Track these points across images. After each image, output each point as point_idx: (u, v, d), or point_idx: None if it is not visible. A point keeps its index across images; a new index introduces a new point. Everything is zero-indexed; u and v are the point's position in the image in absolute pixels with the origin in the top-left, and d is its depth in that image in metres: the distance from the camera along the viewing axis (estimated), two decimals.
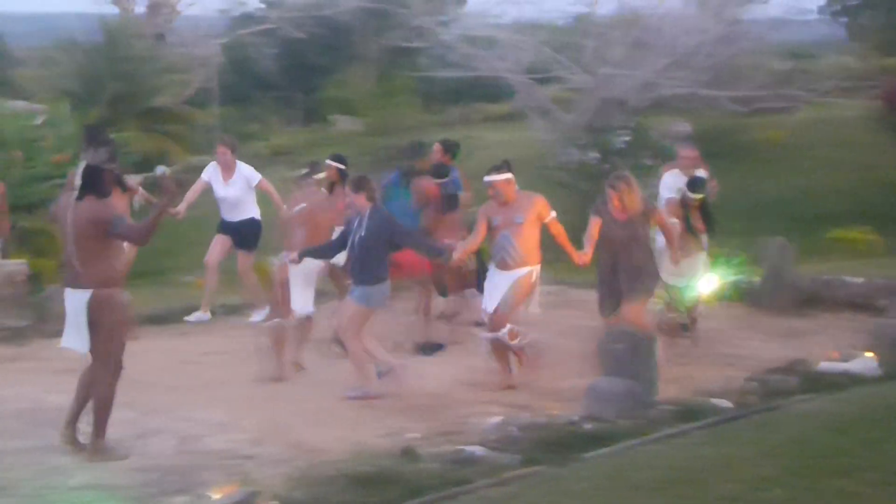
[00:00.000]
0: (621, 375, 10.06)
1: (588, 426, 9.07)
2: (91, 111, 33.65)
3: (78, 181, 9.45)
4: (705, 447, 8.30)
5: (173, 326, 14.80)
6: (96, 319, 9.45)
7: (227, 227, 15.77)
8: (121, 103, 39.76)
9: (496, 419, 9.43)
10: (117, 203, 13.37)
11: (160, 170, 13.19)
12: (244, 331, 14.70)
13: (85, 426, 9.79)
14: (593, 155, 28.24)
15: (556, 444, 8.64)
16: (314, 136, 43.76)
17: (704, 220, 13.61)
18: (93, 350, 9.57)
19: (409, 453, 8.63)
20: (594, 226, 12.16)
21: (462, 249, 12.20)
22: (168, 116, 42.12)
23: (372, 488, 7.75)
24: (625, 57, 30.87)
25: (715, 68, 30.98)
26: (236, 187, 15.59)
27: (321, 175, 13.64)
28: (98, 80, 40.58)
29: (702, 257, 13.61)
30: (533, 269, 11.95)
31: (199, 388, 11.83)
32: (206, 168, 15.68)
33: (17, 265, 15.01)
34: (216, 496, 7.97)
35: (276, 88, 53.85)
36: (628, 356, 10.34)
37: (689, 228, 13.40)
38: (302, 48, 52.41)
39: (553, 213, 12.08)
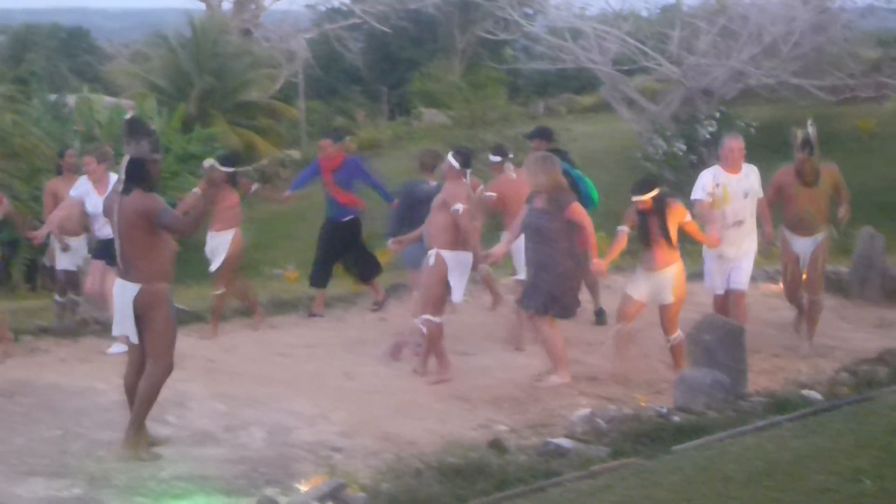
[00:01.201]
0: (711, 366, 10.00)
1: (677, 418, 9.01)
2: (179, 106, 33.94)
3: (122, 174, 9.48)
4: (796, 439, 8.22)
5: (265, 319, 14.86)
6: (144, 314, 9.50)
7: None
8: (209, 98, 40.11)
9: (584, 411, 9.39)
10: (229, 198, 13.58)
11: (207, 163, 13.29)
12: (334, 324, 14.79)
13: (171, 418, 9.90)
14: (679, 145, 28.11)
15: (645, 436, 8.59)
16: (401, 130, 43.85)
17: (661, 230, 11.94)
18: (144, 346, 9.63)
19: (497, 446, 8.63)
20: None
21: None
22: (255, 111, 42.42)
23: (460, 480, 7.76)
24: (711, 46, 30.69)
25: (803, 57, 30.70)
26: None
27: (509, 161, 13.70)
28: (186, 76, 40.96)
29: (668, 276, 12.04)
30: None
31: (290, 380, 11.90)
32: (78, 183, 13.92)
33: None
34: (305, 488, 8.01)
35: (362, 82, 54.05)
36: (718, 347, 10.27)
37: (644, 237, 12.13)
38: (388, 42, 52.59)
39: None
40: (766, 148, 27.27)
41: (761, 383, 10.86)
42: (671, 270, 11.92)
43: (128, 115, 29.59)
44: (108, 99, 35.79)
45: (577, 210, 11.71)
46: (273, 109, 44.02)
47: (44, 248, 16.17)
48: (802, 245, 13.27)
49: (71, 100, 32.99)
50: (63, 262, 14.29)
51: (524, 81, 48.04)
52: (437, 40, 53.05)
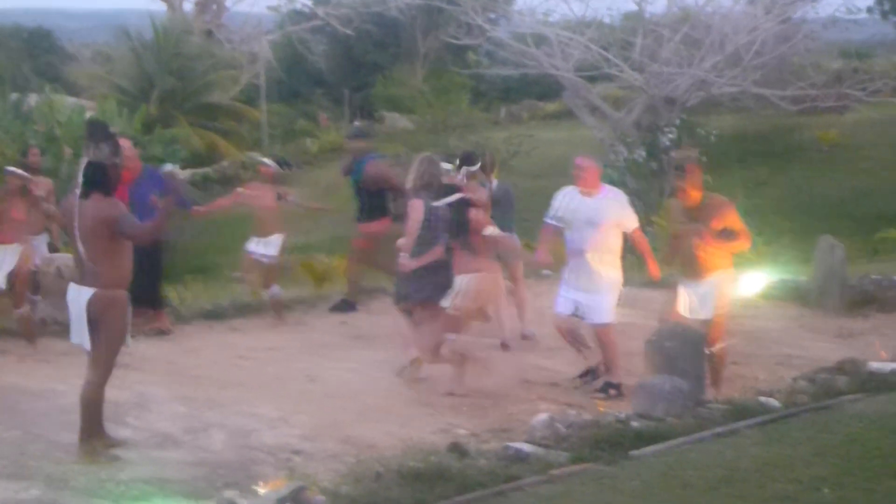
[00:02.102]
0: (671, 373, 10.04)
1: (637, 424, 9.05)
2: (141, 107, 33.86)
3: (80, 178, 9.34)
4: (755, 446, 8.28)
5: (225, 322, 14.85)
6: (96, 319, 9.37)
7: None
8: (170, 100, 40.03)
9: (544, 416, 9.41)
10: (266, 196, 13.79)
11: (169, 167, 13.25)
12: (295, 327, 14.79)
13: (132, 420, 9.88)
14: (640, 153, 28.22)
15: (604, 442, 8.62)
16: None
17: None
18: (91, 350, 9.54)
19: (457, 450, 8.64)
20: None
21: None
22: (217, 113, 42.36)
23: (420, 484, 7.76)
24: (674, 55, 30.83)
25: (765, 67, 30.90)
26: None
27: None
28: (148, 77, 40.87)
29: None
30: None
31: (251, 383, 11.88)
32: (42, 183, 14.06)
33: (65, 259, 15.09)
34: (265, 490, 8.00)
35: (325, 85, 54.03)
36: (678, 354, 10.32)
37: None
38: (351, 45, 52.57)
39: None
40: (727, 157, 27.49)
41: (721, 391, 10.92)
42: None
43: (88, 117, 29.59)
44: (70, 99, 35.66)
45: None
46: (235, 111, 43.96)
47: None
48: (693, 292, 11.56)
49: (32, 100, 32.86)
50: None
51: (487, 87, 48.12)
52: (401, 44, 53.11)
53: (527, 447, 8.59)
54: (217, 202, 16.43)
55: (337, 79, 53.66)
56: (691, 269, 11.41)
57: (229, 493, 8.01)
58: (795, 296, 15.76)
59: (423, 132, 35.01)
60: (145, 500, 8.41)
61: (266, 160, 16.04)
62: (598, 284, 11.92)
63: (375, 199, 15.56)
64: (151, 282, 13.55)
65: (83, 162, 9.41)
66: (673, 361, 10.27)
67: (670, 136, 28.03)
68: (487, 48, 39.34)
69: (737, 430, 8.88)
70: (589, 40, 31.71)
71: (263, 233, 14.75)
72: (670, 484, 7.37)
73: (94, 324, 9.39)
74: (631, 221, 12.12)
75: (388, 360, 12.73)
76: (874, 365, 10.84)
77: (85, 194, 9.28)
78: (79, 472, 9.05)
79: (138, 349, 12.43)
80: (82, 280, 9.41)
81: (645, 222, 25.43)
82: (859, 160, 31.25)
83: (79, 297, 9.42)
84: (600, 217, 11.83)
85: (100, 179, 9.29)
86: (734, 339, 11.81)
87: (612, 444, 8.62)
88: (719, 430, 8.93)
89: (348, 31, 48.17)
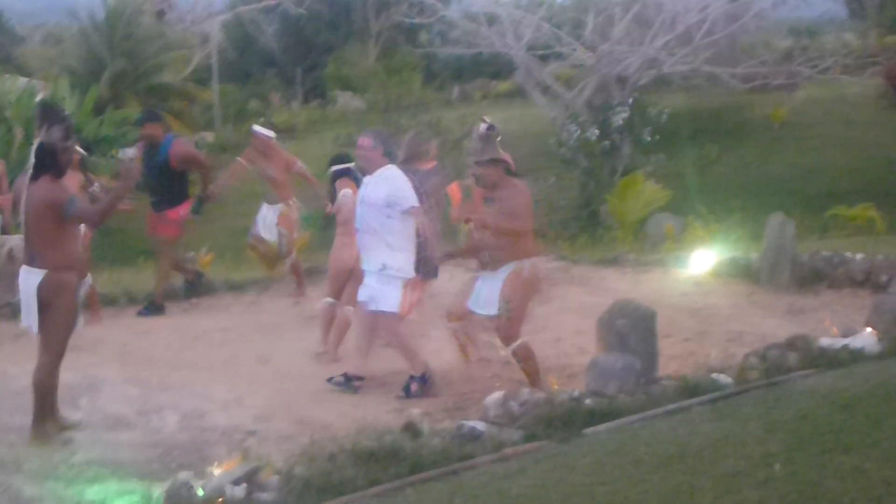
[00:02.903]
0: (623, 351, 10.09)
1: (589, 402, 9.09)
2: (92, 88, 33.63)
3: (31, 160, 9.31)
4: (707, 423, 8.33)
5: (178, 304, 14.83)
6: (46, 302, 9.36)
7: None
8: (122, 81, 39.76)
9: (497, 395, 9.44)
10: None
11: (127, 153, 13.17)
12: (248, 308, 14.78)
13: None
14: (593, 131, 28.26)
15: (557, 420, 8.65)
16: (315, 114, 43.75)
17: None
18: (40, 333, 9.52)
19: (411, 429, 8.66)
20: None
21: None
22: (169, 94, 42.11)
23: (374, 464, 7.78)
24: (625, 33, 30.88)
25: (716, 45, 30.99)
26: None
27: None
28: (99, 58, 40.59)
29: None
30: None
31: (204, 364, 11.88)
32: None
33: (17, 241, 15.01)
34: (219, 471, 8.01)
35: (277, 66, 53.85)
36: (630, 331, 10.37)
37: None
38: (302, 25, 52.39)
39: None
40: (678, 135, 27.60)
41: (672, 367, 10.98)
42: None
43: (39, 98, 29.37)
44: (21, 80, 35.39)
45: None
46: (187, 92, 43.73)
47: None
48: (485, 284, 11.11)
49: None
50: None
51: (440, 66, 48.10)
52: (353, 24, 52.97)
53: (480, 426, 8.62)
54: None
55: (289, 59, 53.50)
56: (483, 259, 11.07)
57: (183, 475, 8.00)
58: (746, 273, 15.83)
59: (375, 112, 34.88)
60: (99, 482, 8.39)
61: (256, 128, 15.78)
62: (377, 269, 11.25)
63: (179, 183, 15.01)
64: None
65: (35, 144, 9.36)
66: (625, 339, 10.31)
67: (622, 115, 28.10)
68: (440, 27, 39.40)
69: (689, 407, 8.93)
70: (541, 19, 31.72)
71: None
72: (622, 461, 7.40)
73: (44, 307, 9.37)
74: (405, 201, 11.12)
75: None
76: (825, 341, 10.91)
77: (35, 176, 9.25)
78: (31, 455, 9.02)
79: (90, 331, 12.42)
80: (32, 262, 9.38)
81: (598, 201, 25.67)
82: (809, 138, 31.42)
83: (28, 279, 9.39)
84: (370, 196, 11.22)
85: (50, 161, 9.23)
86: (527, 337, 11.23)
87: (565, 422, 8.65)
88: (671, 407, 8.97)
89: (300, 11, 48.02)
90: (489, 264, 10.90)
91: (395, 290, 11.16)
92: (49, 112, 9.61)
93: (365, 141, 11.39)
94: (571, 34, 31.91)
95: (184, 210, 14.94)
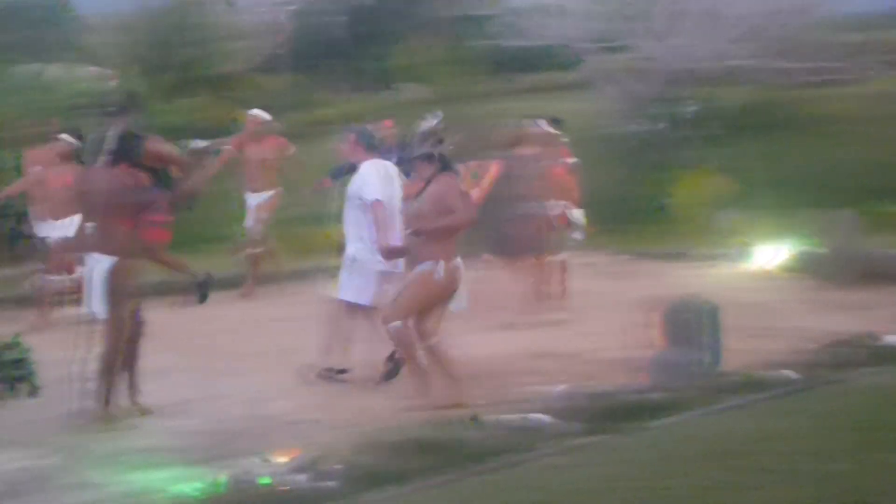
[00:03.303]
0: (688, 345, 10.05)
1: (653, 395, 9.07)
2: (161, 77, 33.83)
3: (109, 147, 9.48)
4: (771, 418, 8.29)
5: (238, 291, 14.89)
6: (113, 287, 9.57)
7: None
8: (190, 70, 39.98)
9: (561, 387, 9.45)
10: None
11: (198, 143, 13.26)
12: (312, 297, 14.81)
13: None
14: (659, 124, 28.13)
15: (620, 413, 8.64)
16: (381, 103, 43.81)
17: None
18: (107, 318, 9.67)
19: (474, 420, 8.67)
20: None
21: None
22: (237, 83, 42.30)
23: (437, 454, 7.79)
24: (695, 26, 30.68)
25: (785, 39, 30.73)
26: None
27: None
28: (169, 46, 40.82)
29: None
30: None
31: (268, 352, 11.93)
32: None
33: None
34: (281, 459, 8.05)
35: (345, 55, 53.94)
36: (695, 325, 10.33)
37: None
38: (372, 14, 52.43)
39: None
40: (745, 129, 27.40)
41: (737, 362, 10.91)
42: None
43: (120, 88, 29.59)
44: (91, 69, 35.66)
45: None
46: (255, 81, 43.91)
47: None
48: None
49: (50, 70, 32.87)
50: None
51: (506, 57, 47.92)
52: (420, 14, 52.93)
53: (543, 418, 8.62)
54: None
55: (357, 49, 53.55)
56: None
57: (245, 462, 8.06)
58: (811, 268, 15.72)
59: (441, 102, 34.91)
60: (161, 468, 8.47)
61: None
62: (349, 261, 11.35)
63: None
64: None
65: (111, 132, 9.47)
66: (689, 333, 10.28)
67: (691, 108, 27.93)
68: (506, 18, 39.22)
69: (752, 402, 8.89)
70: (609, 11, 31.58)
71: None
72: (684, 455, 7.38)
73: (110, 292, 9.54)
74: (366, 194, 11.17)
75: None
76: (890, 338, 10.84)
77: (113, 163, 9.38)
78: (95, 441, 9.11)
79: (154, 318, 12.51)
80: (101, 249, 9.54)
81: (664, 194, 25.53)
82: (876, 133, 31.09)
83: (99, 265, 9.51)
84: (349, 190, 11.34)
85: (126, 149, 9.42)
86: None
87: (629, 415, 8.64)
88: (736, 401, 8.94)
89: (369, 1, 48.03)
90: (412, 262, 10.72)
91: (367, 283, 11.18)
92: (128, 101, 10.04)
93: (349, 136, 11.46)
94: (639, 26, 31.74)
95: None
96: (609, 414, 8.64)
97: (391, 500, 7.13)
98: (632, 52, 33.42)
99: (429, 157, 10.58)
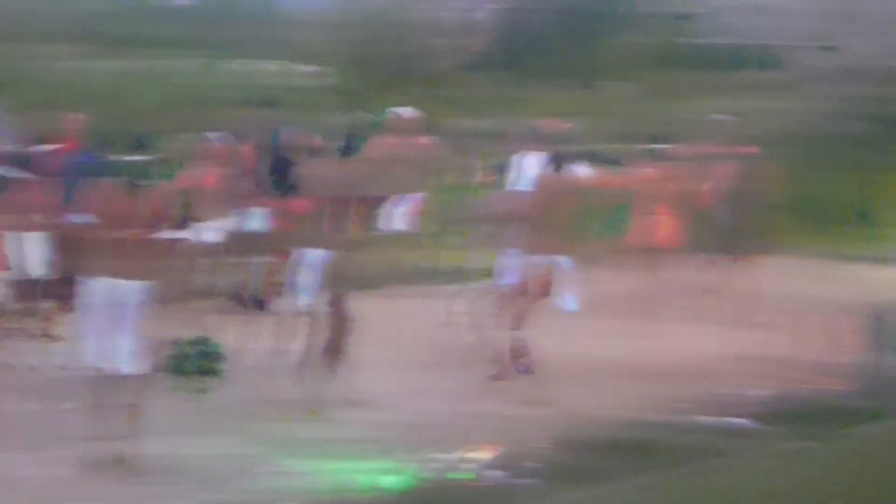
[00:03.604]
0: (892, 351, 9.85)
1: (856, 402, 8.90)
2: (368, 75, 34.20)
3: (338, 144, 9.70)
4: None
5: (444, 288, 14.94)
6: (334, 280, 9.85)
7: None
8: (396, 68, 40.42)
9: (761, 391, 9.33)
10: None
11: None
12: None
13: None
14: (869, 126, 27.53)
15: (823, 419, 8.51)
16: (586, 102, 43.69)
17: None
18: (329, 307, 9.98)
19: (671, 422, 8.62)
20: None
21: None
22: (442, 81, 42.60)
23: (638, 455, 7.76)
24: None
25: None
26: None
27: None
28: (376, 44, 41.31)
29: None
30: None
31: (471, 348, 11.95)
32: None
33: None
34: (482, 455, 8.10)
35: (548, 53, 53.91)
36: None
37: None
38: (575, 12, 52.31)
39: None
40: None
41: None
42: None
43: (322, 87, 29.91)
44: (298, 67, 36.16)
45: None
46: (460, 80, 44.18)
47: None
48: None
49: (259, 66, 33.46)
50: None
51: (711, 55, 47.40)
52: (625, 11, 52.61)
53: (742, 421, 8.55)
54: None
55: (560, 46, 53.53)
56: None
57: (442, 456, 8.12)
58: None
59: (644, 100, 34.70)
60: (360, 459, 8.58)
61: None
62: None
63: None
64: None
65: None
66: (893, 339, 10.06)
67: None
68: (711, 16, 38.87)
69: None
70: (818, 9, 31.02)
71: None
72: (889, 462, 7.24)
73: (328, 283, 9.88)
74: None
75: (605, 330, 12.71)
76: None
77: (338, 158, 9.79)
78: (296, 431, 9.26)
79: (356, 312, 12.71)
80: (316, 243, 9.83)
81: (875, 197, 24.92)
82: None
83: (314, 258, 9.81)
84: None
85: (353, 146, 10.18)
86: None
87: (830, 420, 8.51)
88: None
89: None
90: None
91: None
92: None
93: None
94: (847, 25, 31.09)
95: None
96: (811, 419, 8.51)
97: (587, 499, 7.12)
98: (840, 51, 32.80)
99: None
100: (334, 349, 10.00)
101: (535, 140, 11.92)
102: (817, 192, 24.86)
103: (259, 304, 13.53)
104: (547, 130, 12.79)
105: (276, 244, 11.23)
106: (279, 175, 12.62)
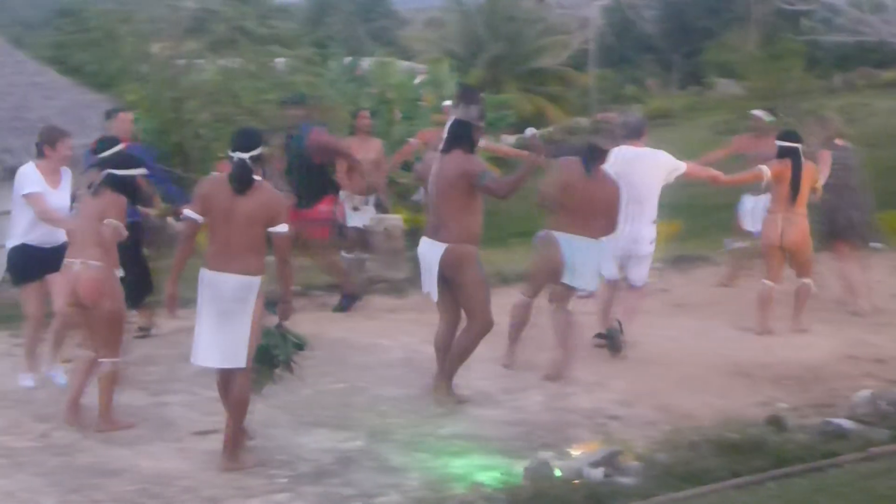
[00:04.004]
0: None
1: None
2: (472, 72, 34.32)
3: (445, 135, 9.75)
4: None
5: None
6: (450, 275, 9.77)
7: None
8: (501, 64, 40.48)
9: (866, 392, 9.20)
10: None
11: (529, 131, 13.32)
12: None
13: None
14: None
15: None
16: (692, 100, 43.42)
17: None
18: (460, 305, 9.93)
19: (776, 423, 8.53)
20: None
21: None
22: (547, 78, 42.58)
23: (737, 456, 7.71)
24: None
25: None
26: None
27: None
28: (479, 42, 41.39)
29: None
30: None
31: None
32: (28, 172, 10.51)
33: (394, 220, 15.53)
34: (580, 453, 8.08)
35: (654, 51, 53.68)
36: None
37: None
38: (682, 10, 52.03)
39: None
40: None
41: None
42: None
43: (418, 80, 30.00)
44: (403, 63, 36.41)
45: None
46: (564, 77, 44.14)
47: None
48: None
49: (366, 63, 33.68)
50: (353, 220, 14.60)
51: (822, 53, 46.90)
52: (733, 9, 52.26)
53: (847, 423, 8.43)
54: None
55: (666, 44, 53.31)
56: None
57: (544, 454, 8.11)
58: None
59: (754, 98, 34.35)
60: (463, 455, 8.60)
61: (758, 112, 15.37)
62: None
63: (318, 177, 13.79)
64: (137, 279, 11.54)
65: (450, 120, 9.82)
66: None
67: None
68: (822, 14, 38.39)
69: None
70: None
71: None
72: None
73: (444, 279, 9.80)
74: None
75: (707, 329, 12.65)
76: None
77: (447, 149, 9.68)
78: (400, 426, 9.31)
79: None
80: (435, 235, 9.78)
81: None
82: None
83: (431, 251, 9.78)
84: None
85: (464, 137, 9.68)
86: None
87: None
88: None
89: None
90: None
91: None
92: (468, 93, 10.16)
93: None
94: None
95: (326, 207, 13.92)
96: None
97: (688, 499, 7.08)
98: None
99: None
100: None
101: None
102: None
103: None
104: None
105: None
106: None
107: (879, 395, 9.04)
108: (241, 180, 8.15)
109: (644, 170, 11.62)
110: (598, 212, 10.73)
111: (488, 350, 11.42)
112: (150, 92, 20.11)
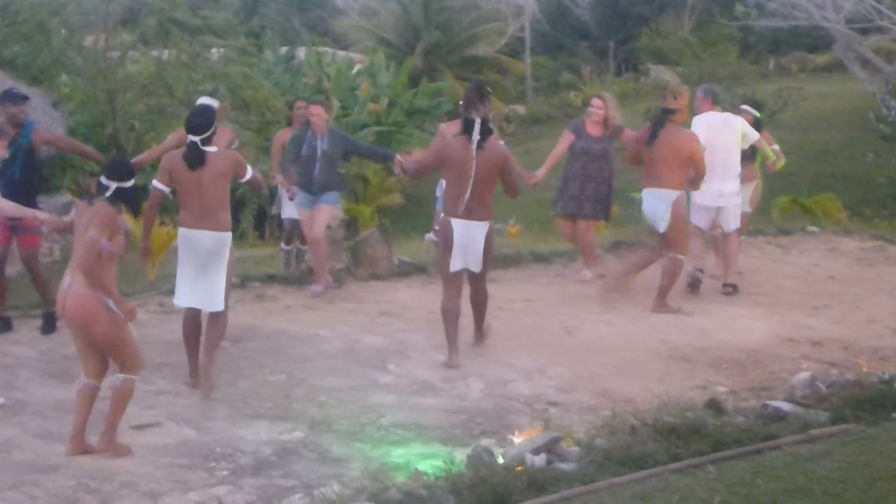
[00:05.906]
0: None
1: None
2: (407, 60, 34.25)
3: (476, 135, 10.76)
4: None
5: None
6: (486, 248, 10.96)
7: None
8: (436, 52, 40.43)
9: (805, 375, 9.24)
10: None
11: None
12: (555, 279, 14.80)
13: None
14: None
15: (867, 403, 8.42)
16: (628, 86, 43.53)
17: None
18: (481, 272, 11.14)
19: (714, 406, 8.56)
20: (564, 142, 14.40)
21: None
22: (482, 66, 42.57)
23: (676, 440, 7.72)
24: None
25: None
26: None
27: None
28: (414, 31, 41.34)
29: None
30: None
31: (509, 334, 11.95)
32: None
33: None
34: (520, 440, 8.08)
35: (590, 38, 53.80)
36: None
37: None
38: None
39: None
40: None
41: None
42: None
43: (354, 70, 29.95)
44: (339, 53, 36.32)
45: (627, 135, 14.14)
46: (499, 64, 44.17)
47: (271, 197, 16.57)
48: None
49: (301, 53, 33.57)
50: (288, 211, 14.49)
51: (756, 38, 47.17)
52: None
53: (786, 406, 8.46)
54: None
55: (602, 31, 53.43)
56: None
57: (485, 442, 8.10)
58: None
59: (689, 84, 34.56)
60: (404, 444, 8.59)
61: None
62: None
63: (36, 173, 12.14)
64: None
65: (475, 119, 10.83)
66: None
67: None
68: None
69: None
70: None
71: None
72: None
73: (485, 252, 11.01)
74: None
75: (645, 314, 12.69)
76: None
77: (481, 145, 10.79)
78: (340, 416, 9.29)
79: (397, 297, 12.71)
80: (471, 216, 10.85)
81: None
82: None
83: (473, 230, 10.88)
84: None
85: (490, 131, 10.96)
86: None
87: (874, 404, 8.41)
88: None
89: None
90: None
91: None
92: (483, 93, 11.33)
93: (697, 94, 14.04)
94: (892, 7, 30.84)
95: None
96: (854, 403, 8.42)
97: (628, 484, 7.08)
98: (885, 34, 32.53)
99: None
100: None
101: None
102: (869, 174, 24.71)
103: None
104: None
105: None
106: None
107: (818, 378, 9.08)
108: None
109: (728, 133, 13.64)
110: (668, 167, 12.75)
111: (426, 339, 11.44)
112: (84, 84, 19.91)
